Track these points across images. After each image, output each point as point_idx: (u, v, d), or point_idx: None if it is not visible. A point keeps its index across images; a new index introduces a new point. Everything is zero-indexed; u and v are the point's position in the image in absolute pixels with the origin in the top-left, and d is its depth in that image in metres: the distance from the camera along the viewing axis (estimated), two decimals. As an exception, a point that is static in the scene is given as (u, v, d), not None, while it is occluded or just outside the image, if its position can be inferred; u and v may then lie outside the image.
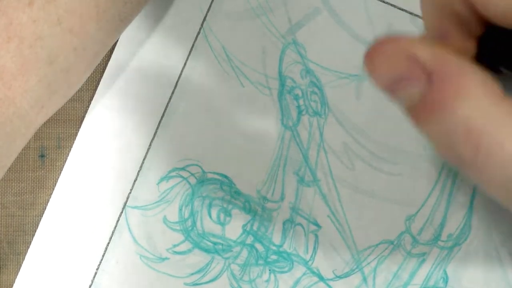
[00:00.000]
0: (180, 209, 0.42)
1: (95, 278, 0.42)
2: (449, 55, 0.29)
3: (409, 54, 0.28)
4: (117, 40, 0.42)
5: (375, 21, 0.42)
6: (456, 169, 0.42)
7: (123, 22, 0.38)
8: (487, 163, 0.28)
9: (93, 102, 0.42)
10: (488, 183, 0.29)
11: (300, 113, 0.42)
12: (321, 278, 0.42)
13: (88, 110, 0.42)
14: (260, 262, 0.42)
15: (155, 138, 0.42)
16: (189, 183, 0.42)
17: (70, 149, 0.42)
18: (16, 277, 0.42)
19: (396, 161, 0.42)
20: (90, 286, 0.42)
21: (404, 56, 0.29)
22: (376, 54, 0.29)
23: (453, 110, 0.28)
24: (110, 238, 0.42)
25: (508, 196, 0.29)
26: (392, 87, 0.29)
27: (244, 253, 0.42)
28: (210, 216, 0.42)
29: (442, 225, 0.42)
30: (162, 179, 0.42)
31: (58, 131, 0.42)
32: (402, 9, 0.42)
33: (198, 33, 0.42)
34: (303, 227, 0.42)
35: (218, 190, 0.42)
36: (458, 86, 0.28)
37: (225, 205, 0.42)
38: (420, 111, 0.29)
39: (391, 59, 0.29)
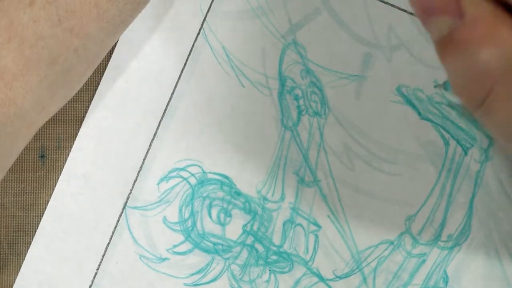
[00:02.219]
0: (180, 210, 0.42)
1: (95, 278, 0.42)
2: (486, 1, 0.30)
3: None
4: (117, 41, 0.42)
5: (375, 21, 0.42)
6: (455, 172, 0.42)
7: (124, 22, 0.38)
8: (493, 110, 0.30)
9: (93, 102, 0.42)
10: (489, 126, 0.32)
11: (300, 113, 0.42)
12: (321, 279, 0.42)
13: (88, 111, 0.42)
14: (260, 262, 0.42)
15: (155, 138, 0.42)
16: (189, 184, 0.42)
17: (70, 150, 0.42)
18: (16, 278, 0.42)
19: (396, 161, 0.42)
20: (90, 286, 0.42)
21: None
22: None
23: (476, 52, 0.30)
24: (110, 238, 0.42)
25: (509, 141, 0.31)
26: (426, 14, 0.31)
27: (244, 253, 0.42)
28: (210, 217, 0.42)
29: (442, 225, 0.42)
30: (162, 180, 0.42)
31: (58, 132, 0.42)
32: (402, 9, 0.42)
33: (198, 33, 0.42)
34: (303, 228, 0.42)
35: (218, 191, 0.42)
36: (486, 32, 0.30)
37: (225, 205, 0.42)
38: (446, 45, 0.30)
39: None
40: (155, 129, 0.42)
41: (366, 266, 0.42)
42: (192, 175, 0.42)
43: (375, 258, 0.42)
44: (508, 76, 0.30)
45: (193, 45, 0.42)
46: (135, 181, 0.42)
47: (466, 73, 0.30)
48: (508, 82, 0.30)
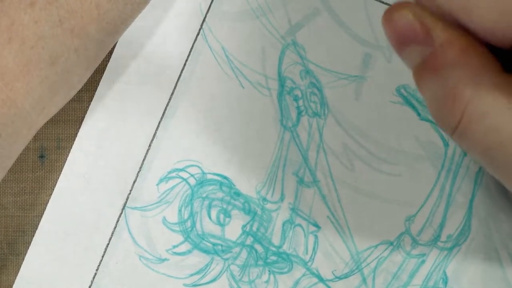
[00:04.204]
0: (180, 210, 0.42)
1: (94, 279, 0.42)
2: (453, 28, 0.31)
3: (419, 20, 0.31)
4: (117, 41, 0.42)
5: (375, 22, 0.42)
6: (455, 170, 0.42)
7: (124, 23, 0.38)
8: (468, 131, 0.31)
9: (92, 102, 0.42)
10: (468, 150, 0.32)
11: (299, 113, 0.42)
12: (321, 279, 0.42)
13: (88, 111, 0.42)
14: (260, 263, 0.42)
15: (155, 139, 0.42)
16: (189, 184, 0.42)
17: (69, 150, 0.42)
18: (15, 278, 0.42)
19: (395, 161, 0.42)
20: (90, 286, 0.42)
21: (414, 21, 0.32)
22: (392, 13, 0.32)
23: (446, 75, 0.31)
24: (110, 239, 0.42)
25: (488, 163, 0.32)
26: (400, 45, 0.32)
27: (244, 254, 0.42)
28: (210, 217, 0.42)
29: (441, 226, 0.42)
30: (161, 180, 0.42)
31: (57, 132, 0.42)
32: (402, 10, 0.42)
33: (198, 33, 0.42)
34: (302, 228, 0.42)
35: (218, 191, 0.42)
36: (454, 55, 0.31)
37: (224, 206, 0.42)
38: (420, 72, 0.32)
39: (404, 21, 0.32)
40: (155, 130, 0.42)
41: (365, 266, 0.42)
42: (192, 175, 0.42)
43: (375, 259, 0.42)
44: (478, 96, 0.31)
45: (192, 46, 0.42)
46: (134, 182, 0.42)
47: (439, 97, 0.32)
48: (478, 102, 0.31)
